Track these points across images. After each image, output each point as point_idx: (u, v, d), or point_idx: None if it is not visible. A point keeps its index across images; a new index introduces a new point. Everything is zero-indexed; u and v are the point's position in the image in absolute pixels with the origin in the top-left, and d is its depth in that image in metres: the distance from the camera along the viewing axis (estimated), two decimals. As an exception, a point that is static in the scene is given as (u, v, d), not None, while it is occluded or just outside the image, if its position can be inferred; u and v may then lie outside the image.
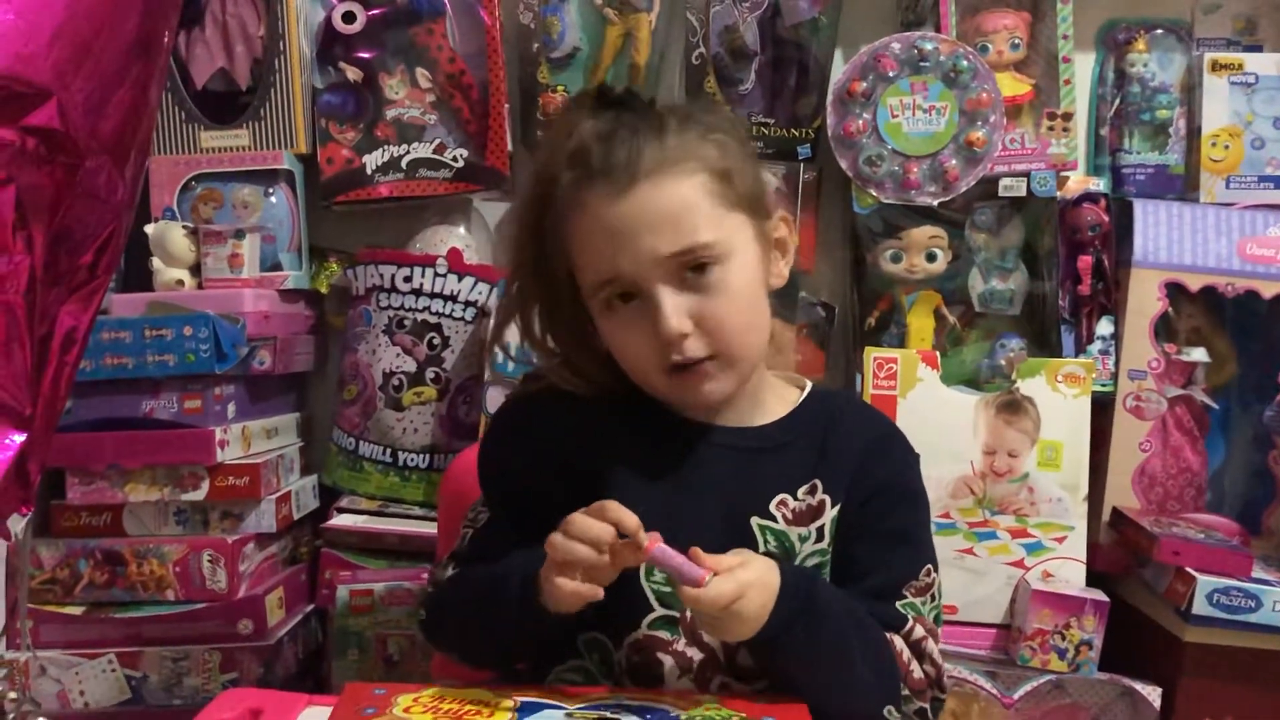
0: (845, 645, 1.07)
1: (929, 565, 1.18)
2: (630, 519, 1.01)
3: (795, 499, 1.15)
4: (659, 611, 1.12)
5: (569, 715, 0.97)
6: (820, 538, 1.15)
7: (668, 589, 1.11)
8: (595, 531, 1.02)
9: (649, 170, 1.07)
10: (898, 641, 1.12)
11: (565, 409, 1.19)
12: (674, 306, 1.08)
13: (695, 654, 1.12)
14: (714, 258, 1.08)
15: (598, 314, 1.14)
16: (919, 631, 1.14)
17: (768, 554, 1.12)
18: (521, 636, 1.12)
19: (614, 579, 1.04)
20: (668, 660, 1.12)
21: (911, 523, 1.19)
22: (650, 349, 1.10)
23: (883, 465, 1.19)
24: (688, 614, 1.10)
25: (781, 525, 1.15)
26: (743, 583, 1.01)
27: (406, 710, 0.96)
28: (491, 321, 1.24)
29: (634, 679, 1.12)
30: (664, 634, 1.12)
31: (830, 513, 1.15)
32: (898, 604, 1.14)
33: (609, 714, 0.96)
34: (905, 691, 1.11)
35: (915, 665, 1.12)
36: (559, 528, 1.04)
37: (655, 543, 1.01)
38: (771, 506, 1.15)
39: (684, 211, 1.07)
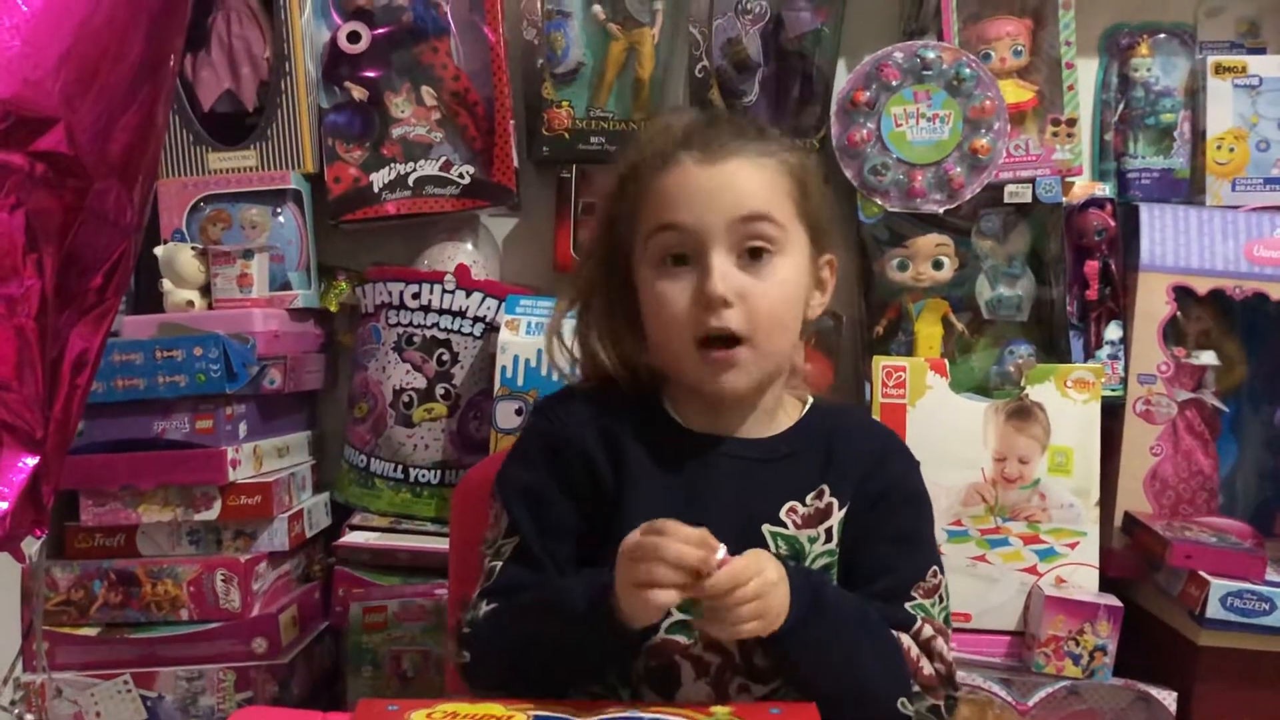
0: (853, 639, 1.09)
1: (935, 567, 1.20)
2: (696, 541, 1.03)
3: (804, 505, 1.18)
4: (676, 616, 1.13)
5: (582, 728, 0.97)
6: (829, 538, 1.18)
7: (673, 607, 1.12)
8: (689, 559, 1.01)
9: (743, 151, 1.15)
10: (906, 639, 1.14)
11: (585, 423, 1.21)
12: (724, 273, 1.12)
13: (712, 658, 1.14)
14: (774, 242, 1.14)
15: (647, 276, 1.17)
16: (928, 631, 1.16)
17: (778, 557, 1.13)
18: (589, 657, 1.12)
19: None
20: (685, 665, 1.13)
21: (916, 526, 1.22)
22: (689, 313, 1.14)
23: (886, 471, 1.22)
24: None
25: (792, 530, 1.17)
26: (767, 582, 1.03)
27: (420, 726, 0.96)
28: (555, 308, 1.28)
29: (652, 685, 1.14)
30: (681, 638, 1.13)
31: (838, 514, 1.18)
32: (906, 605, 1.16)
33: (623, 726, 0.96)
34: (916, 687, 1.13)
35: (925, 663, 1.14)
36: (630, 553, 1.03)
37: (726, 559, 1.02)
38: (782, 513, 1.17)
39: (764, 189, 1.15)
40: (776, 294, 1.14)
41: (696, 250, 1.13)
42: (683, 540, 1.02)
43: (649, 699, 1.14)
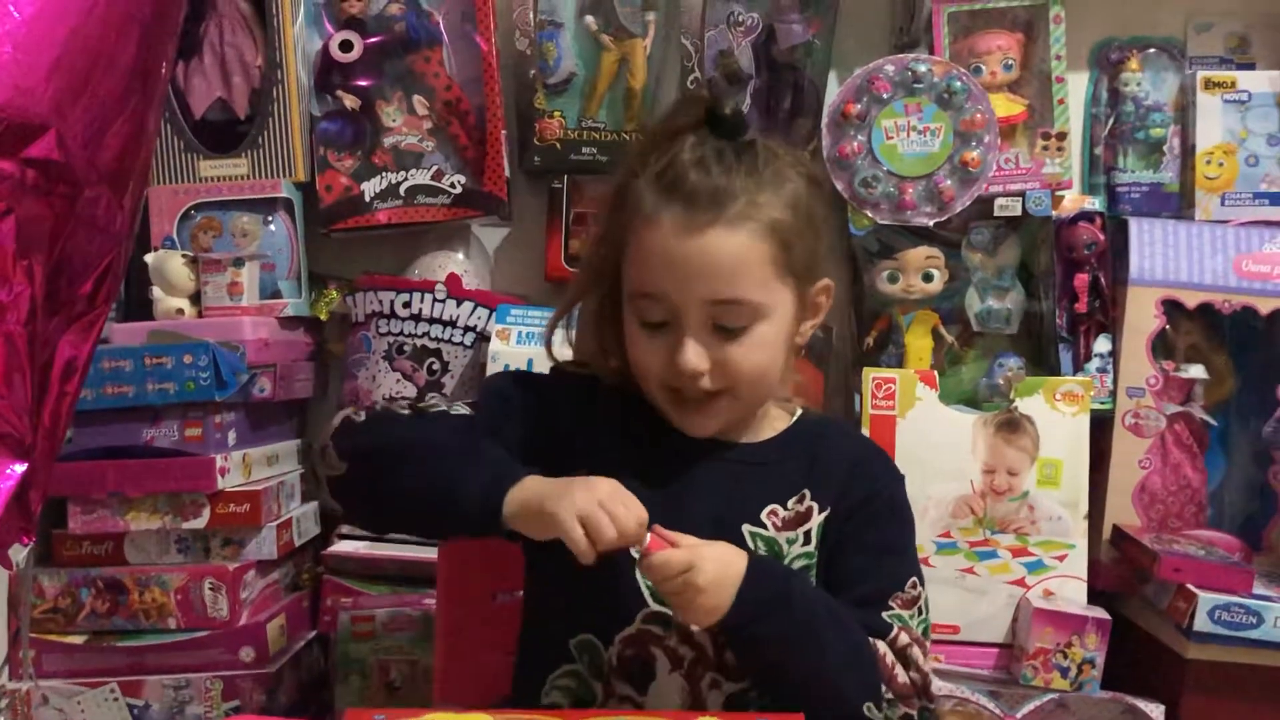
0: (818, 637, 1.10)
1: (915, 578, 1.21)
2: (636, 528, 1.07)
3: (785, 509, 1.20)
4: (653, 607, 1.16)
5: (570, 738, 0.97)
6: (807, 541, 1.19)
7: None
8: (631, 530, 1.06)
9: (729, 218, 1.12)
10: (880, 646, 1.15)
11: (588, 400, 1.25)
12: (696, 350, 1.13)
13: (687, 651, 1.15)
14: (751, 316, 1.14)
15: (628, 316, 1.19)
16: (904, 639, 1.17)
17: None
18: (441, 511, 1.14)
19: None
20: (660, 656, 1.15)
21: (896, 536, 1.24)
22: (665, 370, 1.16)
23: (868, 481, 1.24)
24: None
25: (771, 532, 1.19)
26: (699, 556, 1.06)
27: (407, 735, 0.96)
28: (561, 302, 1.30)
29: (625, 676, 1.15)
30: (657, 629, 1.15)
31: (817, 518, 1.20)
32: (883, 614, 1.17)
33: (610, 735, 0.97)
34: (889, 695, 1.13)
35: (900, 670, 1.15)
36: (600, 499, 1.06)
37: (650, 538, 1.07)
38: (763, 515, 1.19)
39: (741, 266, 1.13)
40: (751, 356, 1.15)
41: (673, 319, 1.14)
42: (636, 518, 1.06)
43: (623, 693, 1.15)
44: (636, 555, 1.08)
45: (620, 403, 1.24)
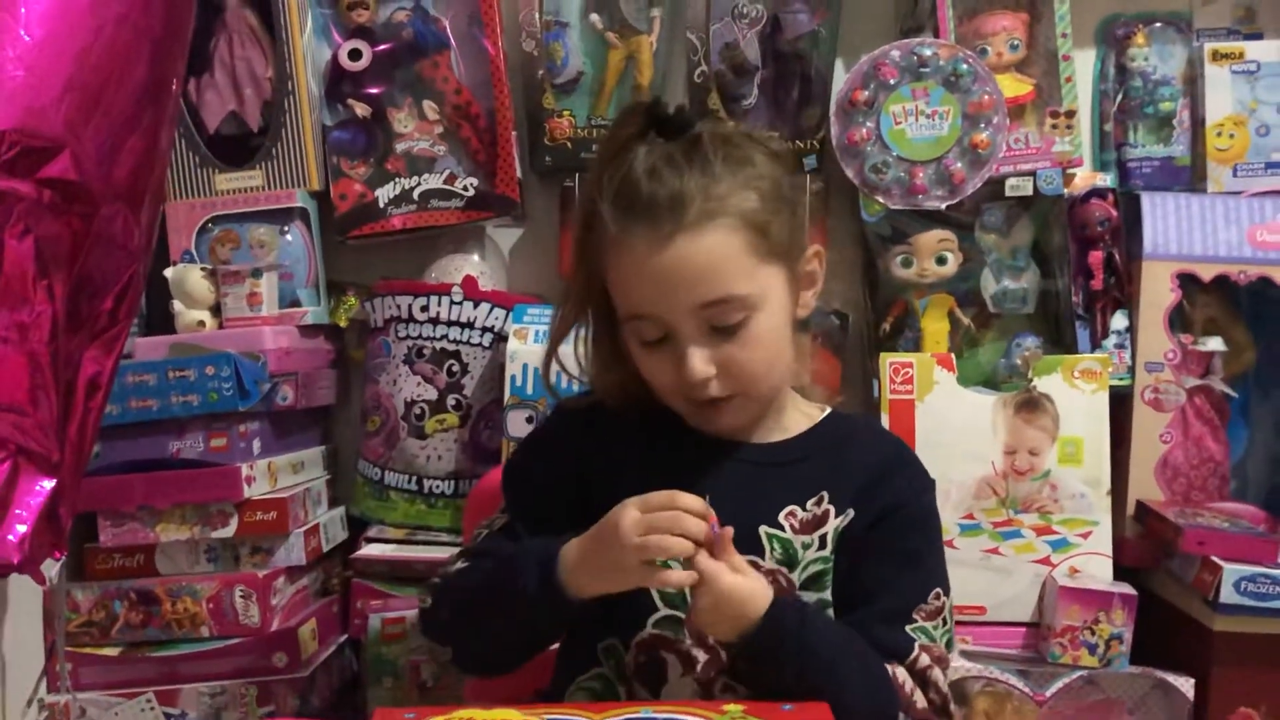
0: (836, 675, 1.09)
1: (939, 589, 1.19)
2: (695, 502, 1.07)
3: (803, 510, 1.19)
4: (664, 611, 1.16)
5: (597, 730, 0.98)
6: (822, 545, 1.18)
7: (672, 589, 1.14)
8: (691, 527, 1.06)
9: (691, 222, 1.10)
10: (900, 673, 1.14)
11: (594, 423, 1.25)
12: (700, 356, 1.13)
13: (700, 654, 1.15)
14: (744, 309, 1.13)
15: (628, 338, 1.18)
16: (924, 660, 1.15)
17: (773, 562, 1.17)
18: (528, 625, 1.15)
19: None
20: (672, 659, 1.15)
21: (922, 546, 1.22)
22: (676, 383, 1.16)
23: (893, 487, 1.21)
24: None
25: (788, 534, 1.18)
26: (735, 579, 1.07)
27: (436, 732, 0.98)
28: (548, 340, 1.29)
29: (641, 679, 1.16)
30: (669, 633, 1.16)
31: (833, 522, 1.18)
32: (907, 628, 1.16)
33: (637, 727, 0.98)
34: None
35: (919, 695, 1.14)
36: (628, 526, 1.06)
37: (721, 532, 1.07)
38: (780, 517, 1.18)
39: (719, 265, 1.11)
40: (756, 351, 1.14)
41: (670, 333, 1.14)
42: (685, 509, 1.06)
43: (640, 695, 1.15)
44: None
45: (629, 416, 1.23)
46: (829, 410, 1.28)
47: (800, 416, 1.26)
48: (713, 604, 1.07)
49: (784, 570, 1.17)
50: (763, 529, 1.17)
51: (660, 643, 1.15)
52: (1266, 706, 1.60)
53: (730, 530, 1.08)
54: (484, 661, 1.22)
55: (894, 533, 1.19)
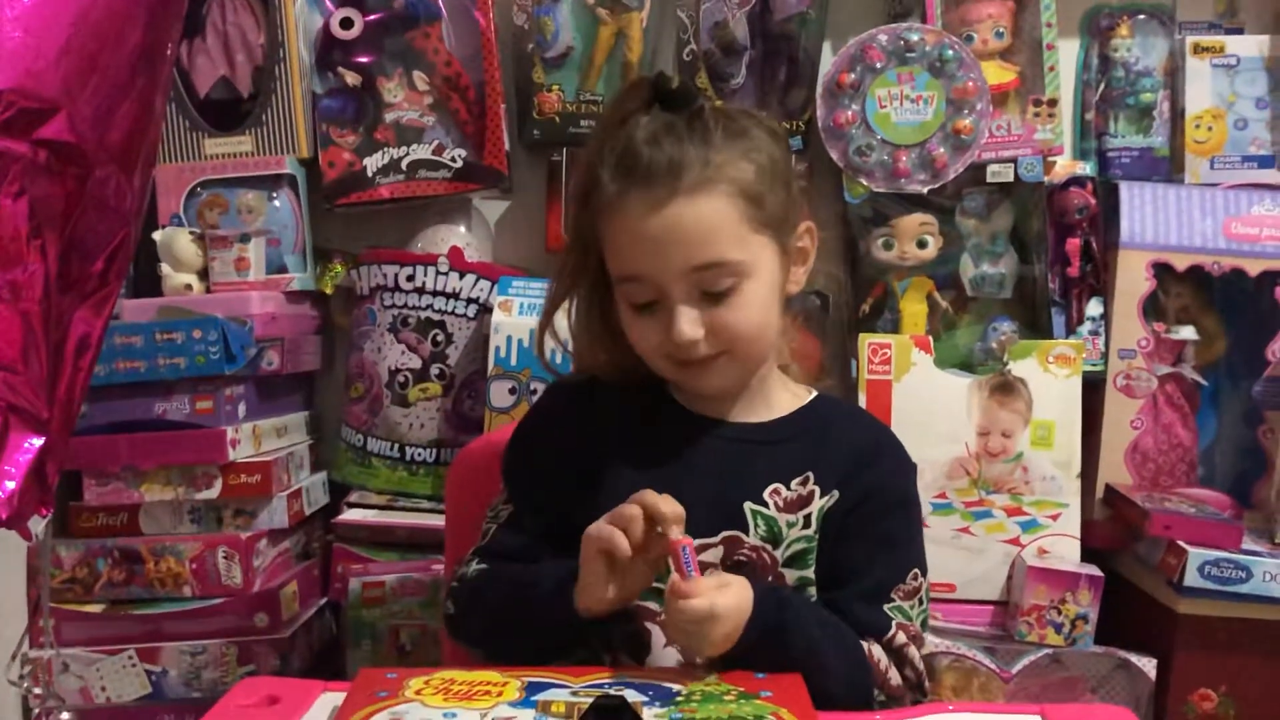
0: (819, 660, 1.10)
1: (916, 569, 1.22)
2: (667, 507, 1.08)
3: (788, 489, 1.20)
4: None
5: (574, 693, 1.00)
6: (807, 524, 1.20)
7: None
8: (625, 511, 1.08)
9: (688, 186, 1.12)
10: (876, 650, 1.17)
11: (589, 399, 1.27)
12: (689, 318, 1.14)
13: None
14: (735, 275, 1.14)
15: (620, 302, 1.20)
16: (901, 638, 1.18)
17: (757, 538, 1.19)
18: (553, 639, 1.16)
19: (648, 581, 1.12)
20: (655, 631, 1.18)
21: (902, 528, 1.24)
22: (664, 346, 1.17)
23: (876, 470, 1.24)
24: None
25: (772, 511, 1.19)
26: (716, 605, 1.06)
27: (418, 692, 0.99)
28: (542, 307, 1.31)
29: (626, 650, 1.18)
30: (652, 605, 1.17)
31: (818, 502, 1.20)
32: (885, 607, 1.19)
33: (612, 690, 1.00)
34: (882, 698, 1.16)
35: (894, 672, 1.17)
36: (590, 531, 1.10)
37: (685, 540, 1.07)
38: (765, 494, 1.20)
39: (713, 230, 1.13)
40: (744, 316, 1.16)
41: (660, 296, 1.15)
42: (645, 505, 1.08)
43: (625, 664, 1.17)
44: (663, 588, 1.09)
45: (618, 393, 1.25)
46: (816, 393, 1.30)
47: (788, 397, 1.28)
48: (698, 631, 1.07)
49: (767, 547, 1.19)
50: (747, 505, 1.19)
51: (644, 614, 1.18)
52: (1226, 688, 1.64)
53: (692, 541, 1.08)
54: (522, 661, 1.24)
55: (876, 515, 1.21)
